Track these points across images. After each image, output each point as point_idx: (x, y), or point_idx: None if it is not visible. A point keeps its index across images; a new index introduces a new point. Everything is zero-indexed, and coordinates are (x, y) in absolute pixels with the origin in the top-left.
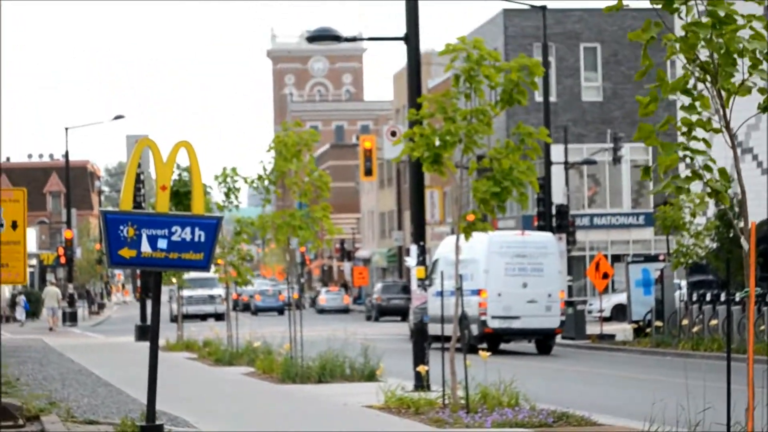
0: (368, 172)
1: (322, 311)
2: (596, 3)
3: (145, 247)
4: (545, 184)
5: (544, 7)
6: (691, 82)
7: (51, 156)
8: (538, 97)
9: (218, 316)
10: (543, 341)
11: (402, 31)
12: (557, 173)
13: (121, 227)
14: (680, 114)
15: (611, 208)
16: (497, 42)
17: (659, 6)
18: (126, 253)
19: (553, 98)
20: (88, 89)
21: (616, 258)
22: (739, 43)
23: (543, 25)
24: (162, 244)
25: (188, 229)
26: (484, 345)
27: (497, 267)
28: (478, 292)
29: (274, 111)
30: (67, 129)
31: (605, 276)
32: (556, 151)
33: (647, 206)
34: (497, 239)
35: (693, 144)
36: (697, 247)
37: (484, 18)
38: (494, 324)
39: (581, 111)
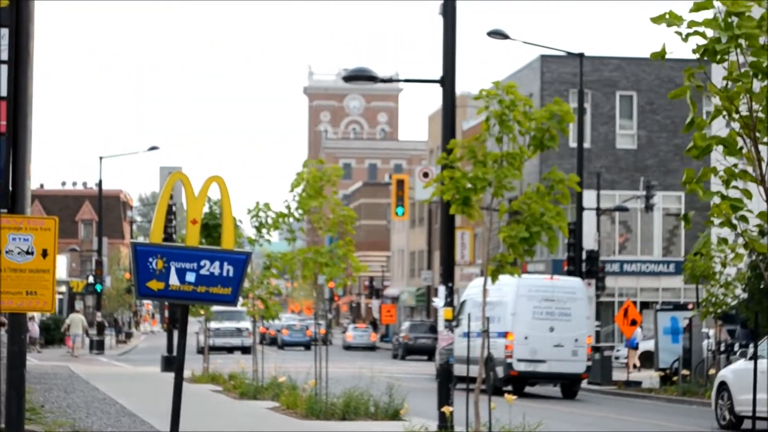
0: (399, 211)
1: (348, 348)
2: (633, 52)
3: (174, 280)
4: (576, 229)
5: (581, 54)
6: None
7: (84, 184)
8: (573, 143)
9: (245, 350)
10: (568, 386)
11: (438, 71)
12: (589, 219)
13: (150, 259)
14: (718, 163)
15: (642, 255)
16: (533, 87)
17: (703, 57)
18: (154, 285)
19: (587, 144)
20: (125, 119)
21: (645, 305)
22: None
23: (580, 72)
24: (190, 277)
25: (217, 264)
26: (510, 387)
27: (525, 310)
28: (504, 335)
29: (309, 147)
30: (101, 158)
31: (633, 323)
32: (589, 197)
33: (678, 255)
34: (526, 283)
35: (731, 193)
36: (727, 297)
37: (522, 62)
38: (520, 367)
39: (615, 158)
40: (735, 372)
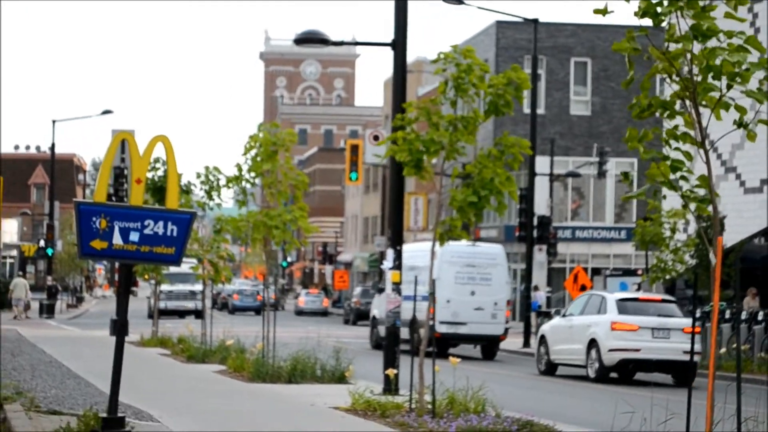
0: (353, 176)
1: (300, 313)
2: (588, 18)
3: (117, 240)
4: (528, 195)
5: (536, 20)
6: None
7: (38, 148)
8: (527, 109)
9: (198, 313)
10: (488, 347)
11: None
12: (542, 185)
13: (94, 218)
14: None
15: (594, 222)
16: (489, 53)
17: (646, 20)
18: (97, 244)
19: (541, 111)
20: (79, 83)
21: (596, 271)
22: (720, 56)
23: (534, 38)
24: (134, 236)
25: (161, 223)
26: (431, 348)
27: (448, 275)
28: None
29: (264, 113)
30: (54, 121)
31: (583, 288)
32: (542, 163)
33: (630, 221)
34: (449, 249)
35: (674, 155)
36: (677, 263)
37: (478, 28)
38: (442, 329)
39: (569, 124)
40: (552, 327)
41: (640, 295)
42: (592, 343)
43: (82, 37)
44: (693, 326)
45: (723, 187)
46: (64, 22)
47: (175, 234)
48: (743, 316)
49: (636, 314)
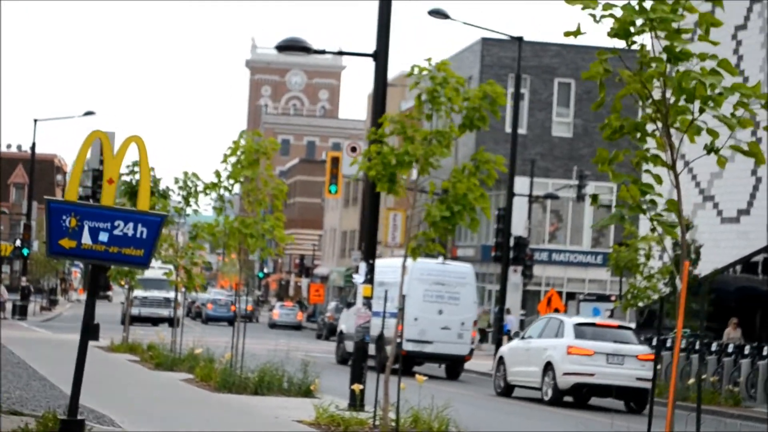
0: (333, 188)
1: (274, 326)
2: (573, 40)
3: (86, 239)
4: (506, 215)
5: (520, 38)
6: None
7: (19, 147)
8: (509, 128)
9: (173, 321)
10: (452, 366)
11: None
12: (520, 206)
13: (64, 217)
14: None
15: (571, 246)
16: (474, 70)
17: (621, 41)
18: (66, 243)
19: (523, 131)
20: (63, 84)
21: (571, 296)
22: (693, 79)
23: (518, 56)
24: (103, 237)
25: (131, 225)
26: (397, 366)
27: (416, 292)
28: (395, 315)
29: (248, 121)
30: (36, 121)
31: (556, 311)
32: (522, 184)
33: (607, 246)
34: (418, 266)
35: (645, 177)
36: (650, 290)
37: (465, 44)
38: (409, 347)
39: (550, 146)
40: (510, 349)
41: (598, 320)
42: (548, 366)
43: (68, 36)
44: (659, 352)
45: (700, 215)
46: (50, 21)
47: (144, 236)
48: (730, 348)
49: (593, 339)
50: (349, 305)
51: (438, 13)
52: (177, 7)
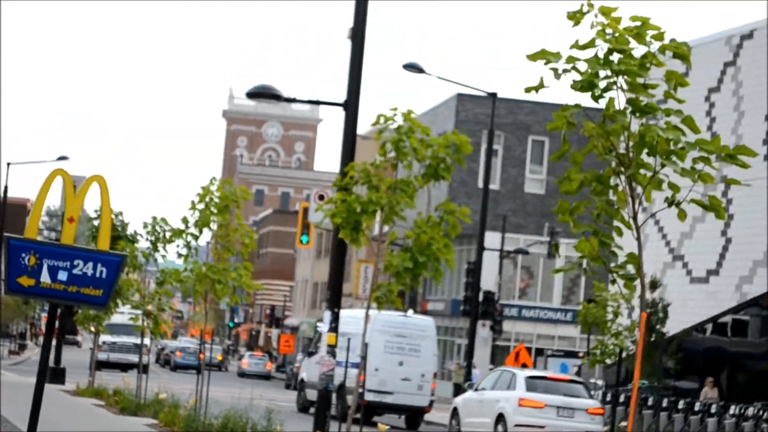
0: (304, 239)
1: (243, 375)
2: (548, 98)
3: (45, 277)
4: (476, 269)
5: (494, 94)
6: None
7: None
8: (481, 183)
9: (143, 368)
10: (412, 417)
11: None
12: (491, 261)
13: (23, 254)
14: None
15: (541, 302)
16: (448, 125)
17: (585, 93)
18: (24, 281)
19: (496, 186)
20: (36, 127)
21: (540, 352)
22: (655, 133)
23: (492, 111)
24: (62, 276)
25: (90, 264)
26: (358, 416)
27: (378, 344)
28: (357, 365)
29: (223, 171)
30: (9, 164)
31: (524, 366)
32: (493, 239)
33: (577, 303)
34: (380, 318)
35: (605, 229)
36: (617, 347)
37: (445, 97)
38: (369, 397)
39: (523, 202)
40: (465, 400)
41: (549, 374)
42: (500, 418)
43: (43, 79)
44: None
45: (670, 274)
46: (26, 64)
47: (104, 276)
48: (698, 406)
49: (544, 392)
50: (311, 354)
51: (413, 67)
52: (155, 55)
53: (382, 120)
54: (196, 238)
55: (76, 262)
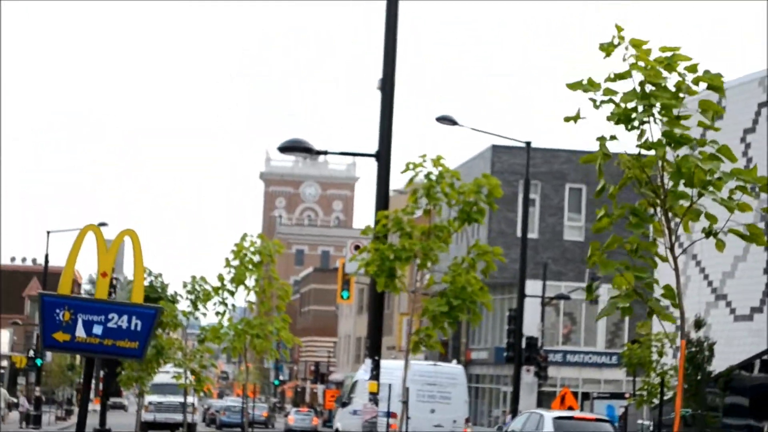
0: (345, 294)
1: (289, 431)
2: (584, 145)
3: (80, 332)
4: (518, 316)
5: (528, 143)
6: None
7: (34, 260)
8: (520, 233)
9: (190, 427)
10: None
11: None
12: (533, 309)
13: (57, 310)
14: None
15: (585, 347)
16: None
17: (621, 125)
18: (60, 336)
19: (535, 235)
20: (76, 195)
21: (586, 396)
22: (692, 164)
23: (527, 160)
24: (97, 330)
25: (125, 317)
26: None
27: (410, 392)
28: (389, 414)
29: (263, 232)
30: (49, 233)
31: (570, 409)
32: (534, 287)
33: (621, 346)
34: (412, 368)
35: (639, 263)
36: (664, 386)
37: (479, 146)
38: None
39: (562, 249)
40: None
41: (576, 414)
42: None
43: (83, 149)
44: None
45: (713, 314)
46: (62, 132)
47: (139, 328)
48: None
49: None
50: (344, 405)
51: (446, 120)
52: (193, 119)
53: (411, 167)
54: (232, 294)
55: (110, 316)
